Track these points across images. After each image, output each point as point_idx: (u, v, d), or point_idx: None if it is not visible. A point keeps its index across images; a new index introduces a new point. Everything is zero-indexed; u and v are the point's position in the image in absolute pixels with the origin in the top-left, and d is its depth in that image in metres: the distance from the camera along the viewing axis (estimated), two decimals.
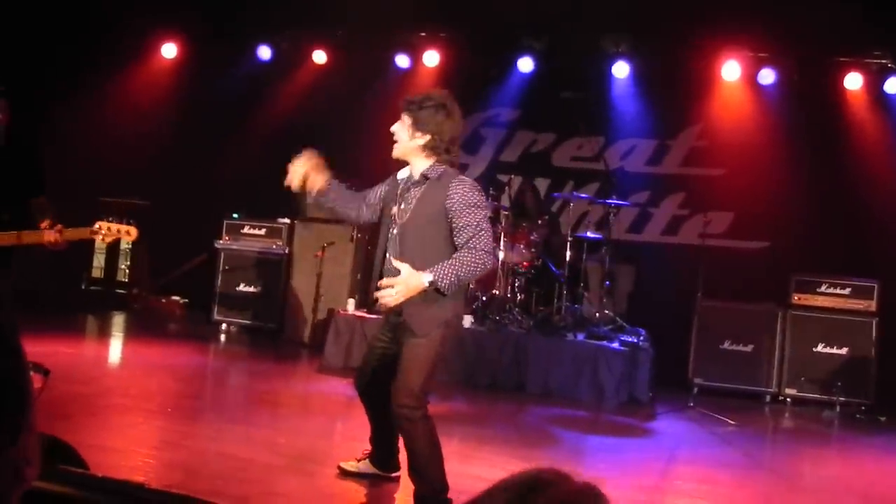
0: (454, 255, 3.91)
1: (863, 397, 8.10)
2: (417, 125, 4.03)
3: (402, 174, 4.22)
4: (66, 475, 2.10)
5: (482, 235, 3.91)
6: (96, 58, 10.57)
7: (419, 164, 4.10)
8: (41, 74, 10.13)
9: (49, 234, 4.80)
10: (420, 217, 4.03)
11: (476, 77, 10.38)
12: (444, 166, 4.08)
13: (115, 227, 4.90)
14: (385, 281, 3.96)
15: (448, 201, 3.95)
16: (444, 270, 3.85)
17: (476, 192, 4.01)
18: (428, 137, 4.03)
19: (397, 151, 4.14)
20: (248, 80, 10.82)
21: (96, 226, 4.90)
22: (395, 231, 4.12)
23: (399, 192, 4.16)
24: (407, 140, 4.07)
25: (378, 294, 3.97)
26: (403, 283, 3.88)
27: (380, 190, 4.40)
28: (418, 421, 4.00)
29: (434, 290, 3.89)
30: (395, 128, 4.13)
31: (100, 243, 6.24)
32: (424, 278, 3.85)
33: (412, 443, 4.05)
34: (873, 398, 8.09)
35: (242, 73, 10.86)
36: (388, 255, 4.17)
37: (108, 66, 10.79)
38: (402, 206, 4.10)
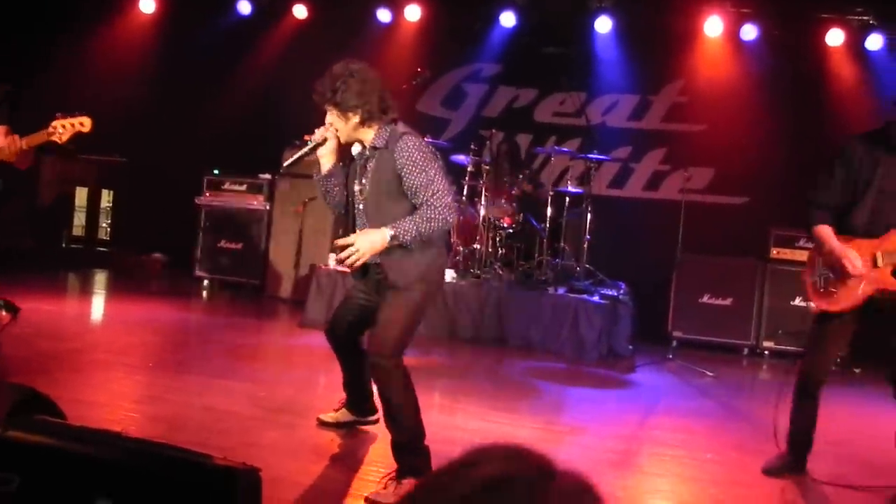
0: (416, 212, 3.95)
1: None
2: (343, 108, 4.04)
3: (356, 149, 4.23)
4: (43, 425, 2.12)
5: (438, 192, 3.94)
6: (73, 13, 10.42)
7: (367, 136, 4.13)
8: (17, 29, 10.00)
9: (2, 140, 4.83)
10: (377, 188, 4.07)
11: (458, 32, 10.33)
12: (388, 129, 4.08)
13: (68, 122, 4.93)
14: (342, 241, 3.99)
15: (397, 165, 3.99)
16: (404, 226, 3.90)
17: (421, 150, 4.00)
18: (359, 112, 4.04)
19: (344, 138, 4.14)
20: (227, 34, 10.72)
21: (51, 127, 4.90)
22: (360, 207, 4.16)
23: (357, 168, 4.17)
24: (345, 126, 4.09)
25: (342, 256, 3.99)
26: (365, 239, 3.91)
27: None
28: (393, 370, 4.05)
29: (404, 244, 3.94)
30: (329, 121, 4.13)
31: (78, 201, 6.21)
32: (386, 233, 3.90)
33: (387, 391, 4.10)
34: (848, 350, 8.19)
35: (222, 28, 10.76)
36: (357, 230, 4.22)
37: (85, 21, 10.65)
38: (363, 182, 4.14)
